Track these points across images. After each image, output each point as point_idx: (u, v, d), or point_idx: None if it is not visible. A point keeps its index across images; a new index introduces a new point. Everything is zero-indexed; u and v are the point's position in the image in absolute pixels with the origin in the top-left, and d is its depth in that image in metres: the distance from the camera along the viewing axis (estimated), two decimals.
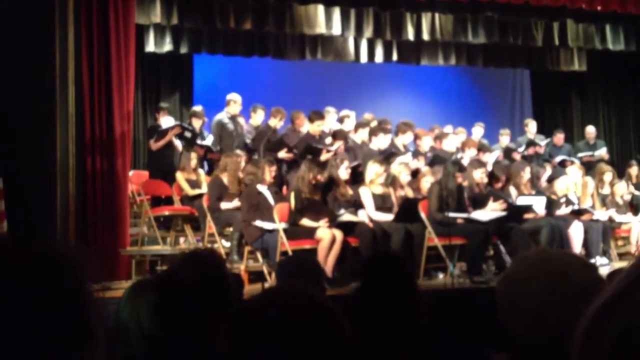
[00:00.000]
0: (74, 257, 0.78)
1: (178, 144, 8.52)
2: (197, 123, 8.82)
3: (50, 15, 6.64)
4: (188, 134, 8.35)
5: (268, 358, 1.01)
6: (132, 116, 7.63)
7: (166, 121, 8.52)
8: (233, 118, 8.90)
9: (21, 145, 6.36)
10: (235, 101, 8.90)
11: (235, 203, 7.07)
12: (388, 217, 6.88)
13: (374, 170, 7.05)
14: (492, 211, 7.15)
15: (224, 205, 7.16)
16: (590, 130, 10.79)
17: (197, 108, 9.17)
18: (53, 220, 6.43)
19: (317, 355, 1.02)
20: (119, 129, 7.10)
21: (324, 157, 7.68)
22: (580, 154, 10.30)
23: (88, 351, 0.75)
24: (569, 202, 7.91)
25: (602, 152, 10.38)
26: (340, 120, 9.31)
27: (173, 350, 1.86)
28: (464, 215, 6.98)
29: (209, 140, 8.79)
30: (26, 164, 6.39)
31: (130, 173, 7.87)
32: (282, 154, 8.01)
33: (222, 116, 8.87)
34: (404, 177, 7.39)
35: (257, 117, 8.93)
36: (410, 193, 7.43)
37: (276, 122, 8.57)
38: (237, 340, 1.05)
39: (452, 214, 6.84)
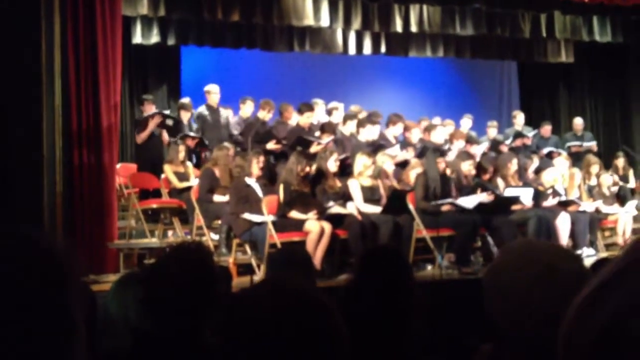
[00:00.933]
0: (58, 248, 0.77)
1: (166, 136, 8.49)
2: (185, 115, 8.80)
3: (36, 6, 6.57)
4: (170, 122, 8.34)
5: (261, 350, 1.01)
6: (119, 108, 7.58)
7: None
8: (212, 109, 8.87)
9: (7, 138, 6.30)
10: (211, 92, 8.89)
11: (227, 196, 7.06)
12: (376, 209, 6.89)
13: (362, 163, 7.05)
14: (476, 196, 7.19)
15: (217, 198, 7.15)
16: (578, 122, 10.84)
17: (185, 100, 9.14)
18: (40, 213, 6.38)
19: (309, 348, 1.02)
20: (105, 121, 7.06)
21: (313, 149, 7.67)
22: (568, 144, 10.36)
23: (72, 344, 0.74)
24: (556, 194, 7.95)
25: (592, 144, 10.44)
26: (329, 112, 9.31)
27: (160, 344, 1.86)
28: (449, 200, 7.00)
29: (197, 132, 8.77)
30: (12, 156, 6.34)
31: (118, 166, 7.83)
32: (271, 145, 8.00)
33: (202, 109, 8.87)
34: (388, 167, 7.41)
35: (246, 109, 8.91)
36: (395, 184, 7.44)
37: (265, 114, 8.55)
38: (229, 333, 1.04)
39: (438, 201, 6.87)
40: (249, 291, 1.13)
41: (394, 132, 8.73)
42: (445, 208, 6.99)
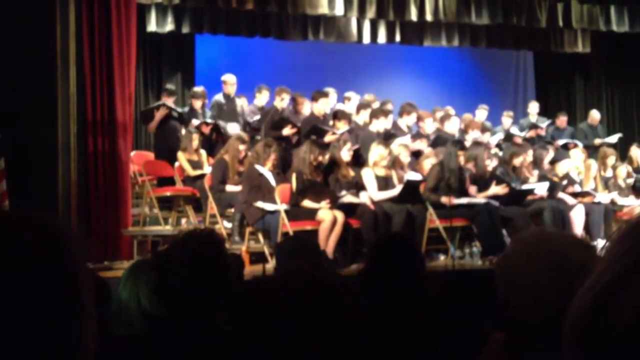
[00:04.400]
0: (68, 232, 0.78)
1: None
2: (197, 104, 8.82)
3: None
4: (175, 114, 8.42)
5: (282, 335, 1.01)
6: (134, 96, 7.60)
7: (169, 104, 8.55)
8: (228, 98, 8.90)
9: (22, 126, 6.35)
10: (227, 82, 8.93)
11: (240, 187, 7.08)
12: (391, 193, 6.86)
13: (378, 153, 7.02)
14: (490, 189, 7.15)
15: (229, 187, 7.18)
16: (596, 115, 10.74)
17: (197, 89, 9.16)
18: (55, 201, 6.43)
19: (329, 334, 1.02)
20: (120, 109, 7.08)
21: (327, 138, 7.65)
22: (597, 140, 10.21)
23: (82, 328, 0.75)
24: (571, 182, 7.91)
25: (610, 139, 10.33)
26: (342, 101, 9.29)
27: (172, 330, 1.86)
28: (457, 201, 6.90)
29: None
30: (28, 144, 6.38)
31: (132, 153, 7.87)
32: (287, 130, 7.98)
33: (219, 97, 8.90)
34: (404, 158, 7.38)
35: (262, 98, 8.93)
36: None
37: (280, 102, 8.58)
38: (251, 319, 1.04)
39: (443, 198, 6.80)
40: (273, 277, 1.13)
41: (407, 121, 8.70)
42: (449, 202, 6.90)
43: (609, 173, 8.82)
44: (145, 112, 8.52)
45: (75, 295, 0.74)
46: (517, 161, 7.93)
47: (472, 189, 7.23)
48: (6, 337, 0.69)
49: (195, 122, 8.46)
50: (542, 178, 7.91)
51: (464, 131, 8.98)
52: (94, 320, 0.76)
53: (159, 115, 8.29)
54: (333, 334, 1.04)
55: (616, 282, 0.66)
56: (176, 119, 8.42)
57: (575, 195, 7.83)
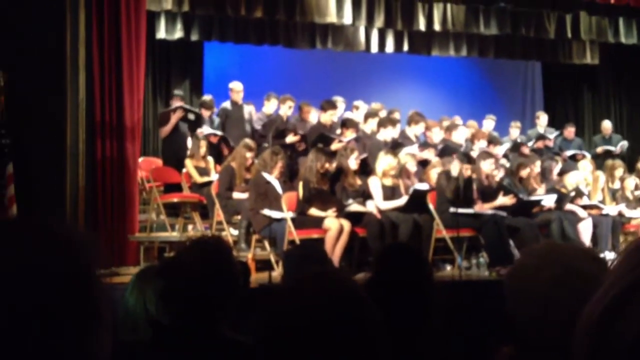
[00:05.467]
0: (81, 239, 0.78)
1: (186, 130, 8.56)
2: (206, 113, 8.89)
3: (62, 1, 6.64)
4: (192, 116, 8.42)
5: (307, 344, 1.01)
6: (142, 102, 7.63)
7: (186, 106, 8.62)
8: (235, 105, 8.94)
9: (31, 131, 6.38)
10: (234, 89, 8.98)
11: (247, 194, 7.09)
12: (398, 202, 6.85)
13: (387, 162, 7.00)
14: (498, 200, 7.14)
15: (236, 195, 7.19)
16: (607, 125, 10.73)
17: (207, 97, 9.21)
18: (62, 206, 6.45)
19: (352, 342, 1.02)
20: (128, 115, 7.11)
21: (334, 146, 7.66)
22: (599, 148, 10.21)
23: (97, 335, 0.75)
24: (579, 194, 7.89)
25: (622, 144, 10.32)
26: (351, 110, 9.30)
27: (179, 337, 1.86)
28: (465, 211, 6.91)
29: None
30: (36, 149, 6.41)
31: (140, 160, 7.89)
32: (290, 138, 8.00)
33: (226, 104, 8.96)
34: (411, 167, 7.38)
35: (270, 106, 8.97)
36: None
37: (285, 110, 8.58)
38: (275, 327, 1.04)
39: (451, 209, 6.80)
40: (298, 284, 1.13)
41: (415, 131, 8.70)
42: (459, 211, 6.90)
43: (616, 185, 8.79)
44: (163, 115, 8.56)
45: (90, 302, 0.75)
46: (524, 172, 7.91)
47: (479, 202, 7.22)
48: (20, 345, 0.69)
49: (205, 129, 8.50)
50: (550, 190, 7.89)
51: (470, 141, 8.96)
52: (110, 326, 0.77)
53: (174, 118, 8.32)
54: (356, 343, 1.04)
55: (623, 296, 0.66)
56: (191, 121, 8.45)
57: (583, 207, 7.80)
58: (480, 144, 8.74)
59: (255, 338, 1.07)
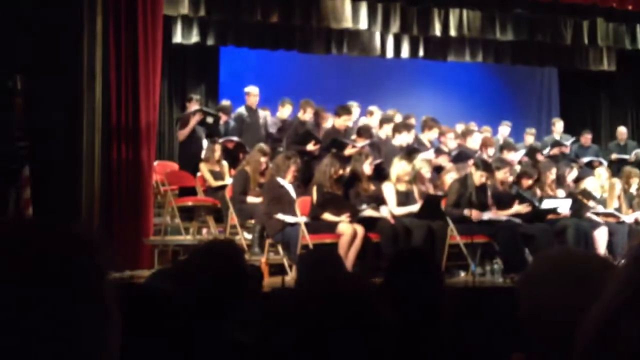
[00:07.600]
0: (93, 240, 0.79)
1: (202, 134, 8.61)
2: (224, 118, 8.94)
3: (79, 5, 6.70)
4: (210, 119, 8.47)
5: (321, 348, 1.01)
6: (158, 107, 7.68)
7: (205, 109, 8.68)
8: (250, 110, 8.97)
9: (48, 133, 6.43)
10: (251, 93, 9.00)
11: (261, 198, 7.11)
12: (412, 208, 6.84)
13: (401, 168, 6.98)
14: (513, 208, 7.10)
15: (250, 199, 7.21)
16: (622, 130, 10.65)
17: (226, 103, 9.27)
18: (78, 208, 6.50)
19: (365, 346, 1.02)
20: (144, 119, 7.15)
21: (348, 151, 7.66)
22: (614, 156, 10.13)
23: (106, 334, 0.76)
24: (593, 199, 7.83)
25: (638, 153, 10.23)
26: (365, 115, 9.30)
27: (191, 339, 1.87)
28: (485, 217, 6.89)
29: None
30: (52, 152, 6.46)
31: (155, 163, 7.93)
32: (310, 146, 7.99)
33: (241, 109, 8.99)
34: (426, 173, 7.36)
35: (285, 111, 8.99)
36: (431, 189, 7.39)
37: (304, 115, 8.60)
38: (289, 331, 1.04)
39: (465, 211, 6.77)
40: (319, 287, 1.13)
41: (429, 136, 8.68)
42: (472, 215, 6.86)
43: (633, 191, 8.71)
44: (182, 118, 8.61)
45: (101, 303, 0.76)
46: (525, 182, 7.82)
47: (493, 209, 7.18)
48: (32, 344, 0.70)
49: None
50: (568, 196, 7.83)
51: (480, 149, 8.94)
52: (119, 326, 0.78)
53: (193, 121, 8.38)
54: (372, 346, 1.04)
55: (629, 299, 0.66)
56: (209, 125, 8.51)
57: (598, 214, 7.74)
58: (489, 152, 8.73)
59: (267, 342, 1.07)
